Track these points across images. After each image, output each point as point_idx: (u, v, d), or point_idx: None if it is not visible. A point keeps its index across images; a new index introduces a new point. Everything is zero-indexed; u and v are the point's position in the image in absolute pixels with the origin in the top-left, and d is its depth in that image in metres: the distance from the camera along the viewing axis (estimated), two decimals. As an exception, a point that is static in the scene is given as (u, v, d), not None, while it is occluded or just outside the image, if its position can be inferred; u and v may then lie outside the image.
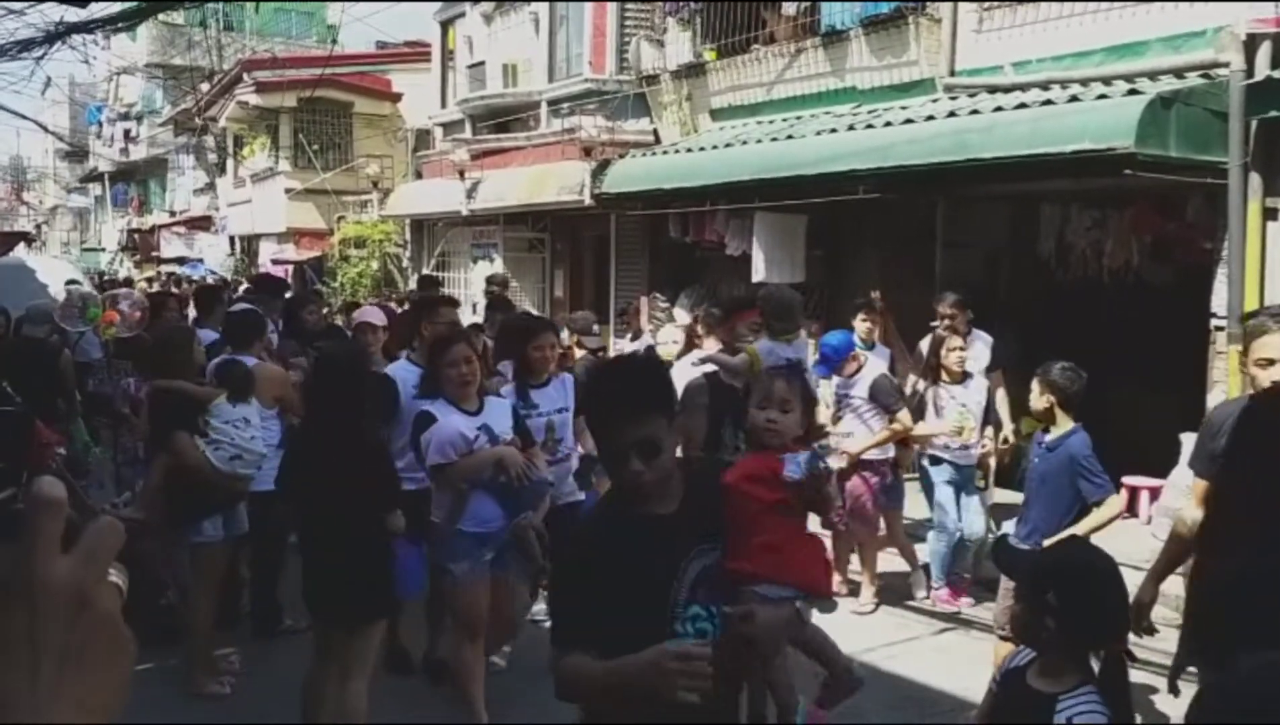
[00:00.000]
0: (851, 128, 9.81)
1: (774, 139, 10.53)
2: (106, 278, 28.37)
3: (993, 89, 9.25)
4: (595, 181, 13.03)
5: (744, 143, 10.98)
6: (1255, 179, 7.42)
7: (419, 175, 19.67)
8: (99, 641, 0.76)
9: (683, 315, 12.96)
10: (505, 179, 15.17)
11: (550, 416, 5.58)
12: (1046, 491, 5.01)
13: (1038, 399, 5.11)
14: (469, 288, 16.74)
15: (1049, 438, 5.07)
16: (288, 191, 23.84)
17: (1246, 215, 7.47)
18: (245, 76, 24.68)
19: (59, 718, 0.73)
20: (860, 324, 7.98)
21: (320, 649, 4.70)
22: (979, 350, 7.64)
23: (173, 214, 34.80)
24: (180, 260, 30.30)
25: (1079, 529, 4.76)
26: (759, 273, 11.04)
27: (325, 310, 11.34)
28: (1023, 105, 8.22)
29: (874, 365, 7.31)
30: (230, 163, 28.51)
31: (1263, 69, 7.31)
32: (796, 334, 6.46)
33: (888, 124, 9.26)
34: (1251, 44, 7.37)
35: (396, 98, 24.22)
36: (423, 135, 21.16)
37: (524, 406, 5.43)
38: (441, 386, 4.95)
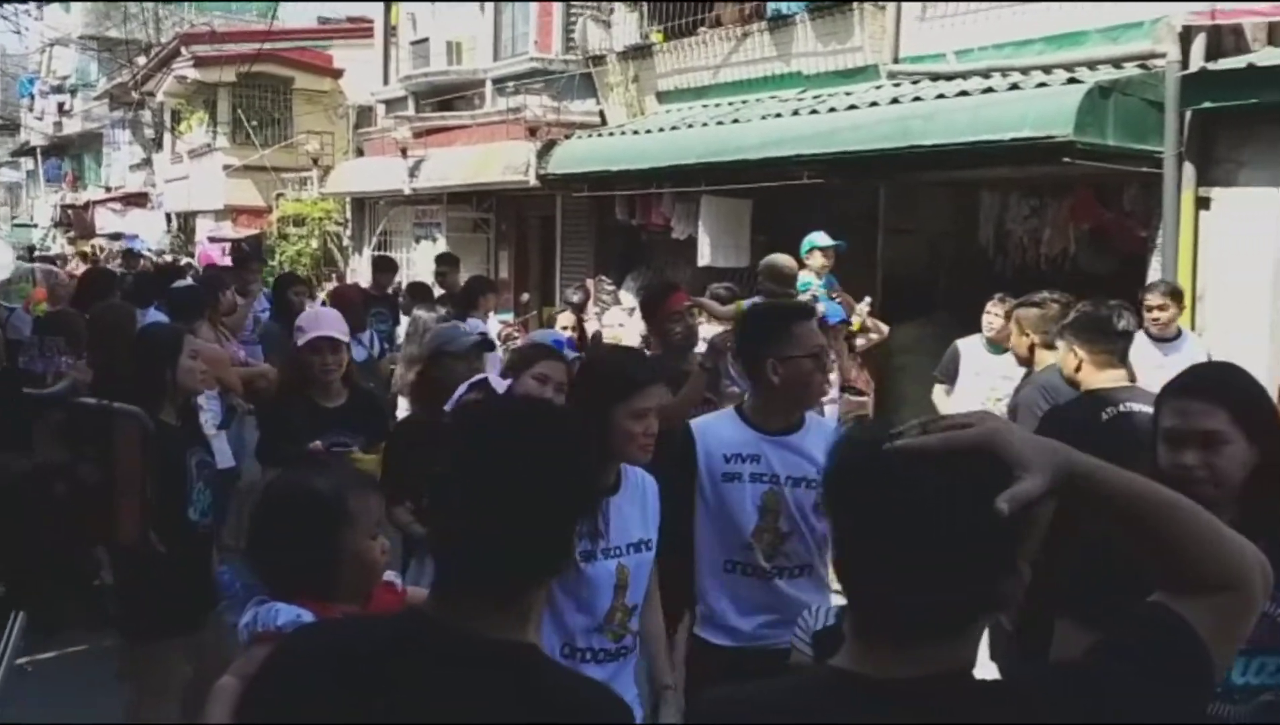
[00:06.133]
0: (796, 113, 9.85)
1: (720, 122, 10.54)
2: (38, 254, 27.73)
3: (935, 76, 9.33)
4: (541, 162, 12.94)
5: (690, 126, 10.98)
6: (1189, 169, 7.57)
7: (360, 153, 19.43)
8: None
9: (629, 298, 12.96)
10: (449, 158, 15.02)
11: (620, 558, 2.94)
12: None
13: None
14: (412, 268, 16.58)
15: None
16: (226, 168, 23.47)
17: (1181, 204, 7.62)
18: (183, 50, 24.20)
19: None
20: (994, 320, 6.50)
21: None
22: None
23: (108, 190, 34.08)
24: (116, 236, 29.72)
25: None
26: (704, 257, 11.07)
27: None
28: (964, 93, 8.30)
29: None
30: (167, 138, 27.96)
31: (1197, 61, 7.44)
32: None
33: (832, 110, 9.31)
34: (1187, 36, 7.51)
35: (338, 74, 23.89)
36: (364, 112, 20.88)
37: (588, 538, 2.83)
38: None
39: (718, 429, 3.33)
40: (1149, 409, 3.84)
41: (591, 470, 1.63)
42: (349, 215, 19.85)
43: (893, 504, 1.23)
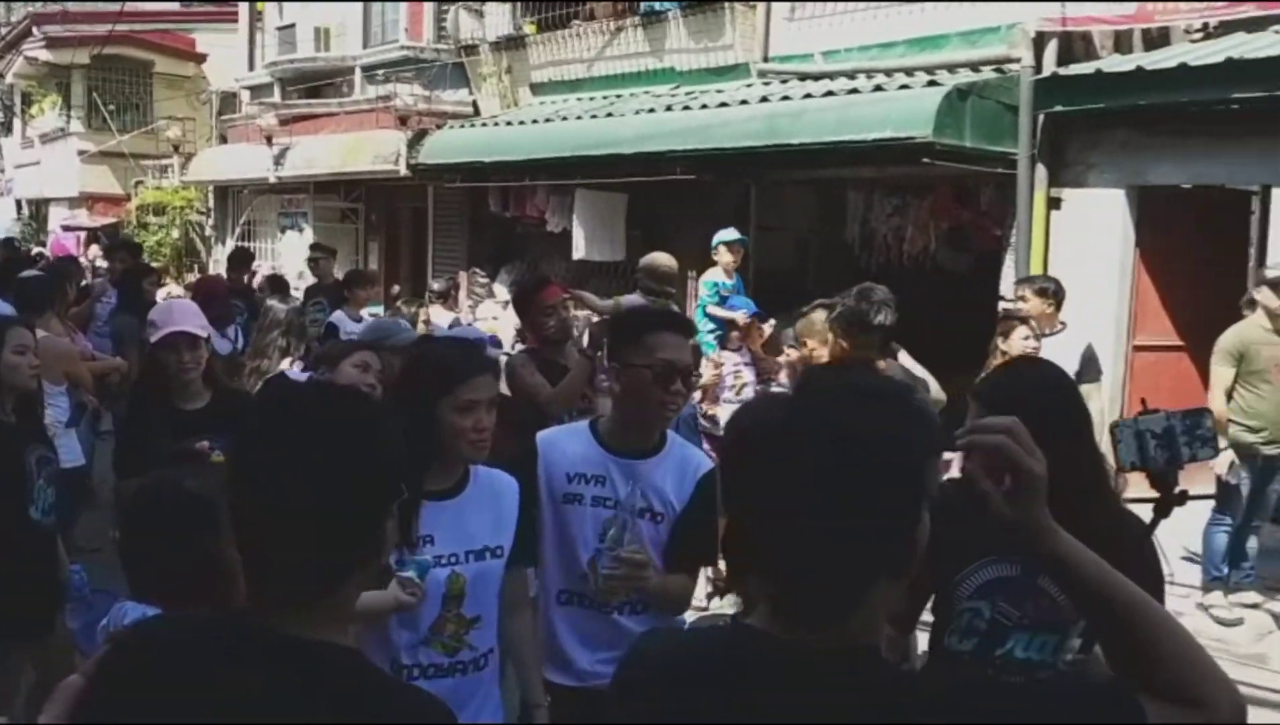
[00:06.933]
0: (670, 108, 9.94)
1: (594, 116, 10.56)
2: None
3: (803, 76, 9.52)
4: (412, 152, 12.76)
5: (564, 119, 10.97)
6: (1041, 170, 7.88)
7: (223, 140, 18.87)
8: None
9: (503, 291, 12.87)
10: (316, 146, 14.69)
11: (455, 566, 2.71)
12: None
13: None
14: (277, 258, 16.17)
15: None
16: (81, 154, 22.51)
17: (1033, 204, 7.93)
18: (34, 30, 23.14)
19: None
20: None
21: None
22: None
23: (-49, 174, 32.39)
24: (-41, 223, 28.33)
25: None
26: (579, 250, 11.07)
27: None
28: (830, 93, 8.48)
29: None
30: (17, 122, 26.71)
31: (1050, 65, 7.77)
32: (666, 303, 6.48)
33: (704, 106, 9.42)
34: (1040, 41, 7.84)
35: (201, 58, 23.11)
36: (228, 98, 20.26)
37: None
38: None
39: (565, 445, 2.98)
40: None
41: (396, 456, 1.51)
42: (211, 204, 19.26)
43: (790, 478, 1.25)
